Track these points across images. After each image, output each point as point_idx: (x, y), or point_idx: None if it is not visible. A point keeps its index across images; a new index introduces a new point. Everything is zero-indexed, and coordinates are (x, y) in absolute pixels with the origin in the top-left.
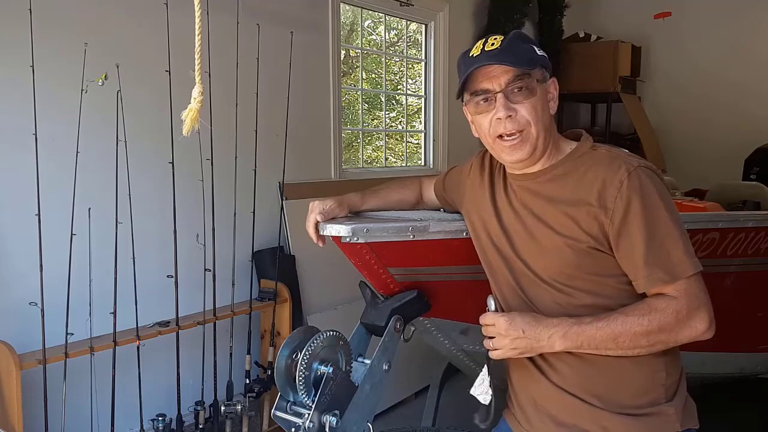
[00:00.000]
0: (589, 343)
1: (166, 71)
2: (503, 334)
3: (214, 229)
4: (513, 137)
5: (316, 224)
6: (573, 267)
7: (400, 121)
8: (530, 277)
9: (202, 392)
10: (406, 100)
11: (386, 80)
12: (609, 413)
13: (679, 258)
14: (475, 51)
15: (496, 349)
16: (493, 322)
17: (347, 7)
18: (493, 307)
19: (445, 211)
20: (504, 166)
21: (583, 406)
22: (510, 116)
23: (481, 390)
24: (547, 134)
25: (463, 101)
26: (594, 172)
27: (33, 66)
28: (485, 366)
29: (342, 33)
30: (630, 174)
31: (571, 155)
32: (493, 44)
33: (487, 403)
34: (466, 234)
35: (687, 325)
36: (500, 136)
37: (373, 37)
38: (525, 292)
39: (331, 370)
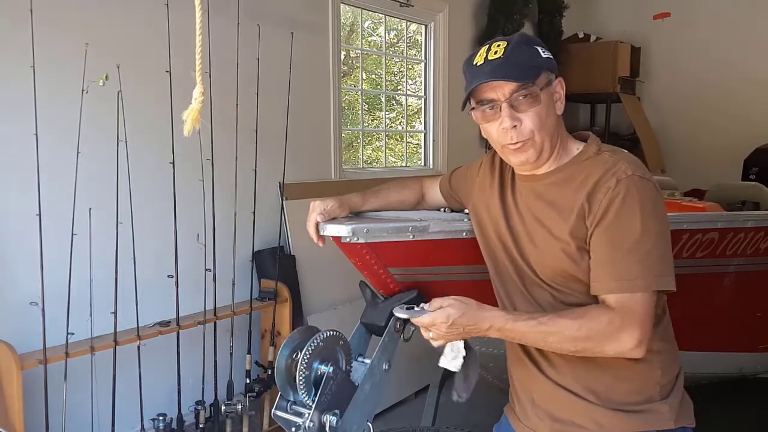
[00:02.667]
0: (521, 339)
1: (167, 72)
2: (443, 333)
3: (214, 229)
4: (515, 144)
5: (317, 224)
6: (567, 269)
7: (400, 122)
8: (532, 277)
9: (203, 392)
10: (406, 100)
11: (386, 81)
12: (604, 409)
13: (637, 273)
14: (479, 59)
15: (435, 340)
16: (432, 323)
17: (347, 8)
18: (406, 315)
19: (446, 211)
20: (513, 168)
21: (579, 401)
22: (515, 126)
23: (449, 359)
24: (554, 137)
25: (471, 106)
26: (591, 177)
27: (34, 66)
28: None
29: (342, 34)
30: (618, 182)
31: (576, 158)
32: (496, 52)
33: (458, 369)
34: (466, 234)
35: (616, 338)
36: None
37: (373, 37)
38: (529, 292)
39: (331, 370)
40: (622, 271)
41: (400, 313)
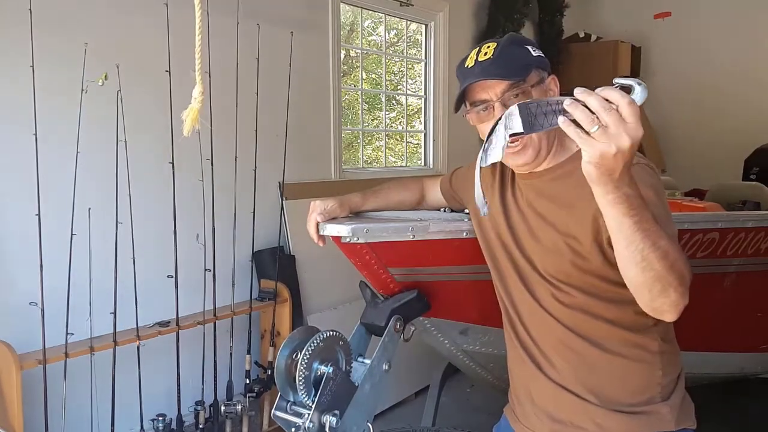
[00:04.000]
0: (636, 215)
1: (166, 71)
2: (615, 125)
3: (214, 229)
4: (515, 144)
5: (317, 224)
6: (570, 265)
7: (400, 122)
8: (533, 275)
9: (203, 392)
10: (406, 100)
11: (386, 80)
12: (604, 410)
13: (671, 234)
14: (470, 62)
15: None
16: (628, 107)
17: (347, 8)
18: (638, 91)
19: (446, 211)
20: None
21: (579, 402)
22: None
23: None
24: (550, 134)
25: (466, 108)
26: None
27: (33, 66)
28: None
29: (342, 33)
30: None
31: (577, 154)
32: (486, 53)
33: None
34: (466, 234)
35: (684, 290)
36: None
37: (373, 37)
38: (529, 289)
39: (331, 370)
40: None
41: (622, 80)
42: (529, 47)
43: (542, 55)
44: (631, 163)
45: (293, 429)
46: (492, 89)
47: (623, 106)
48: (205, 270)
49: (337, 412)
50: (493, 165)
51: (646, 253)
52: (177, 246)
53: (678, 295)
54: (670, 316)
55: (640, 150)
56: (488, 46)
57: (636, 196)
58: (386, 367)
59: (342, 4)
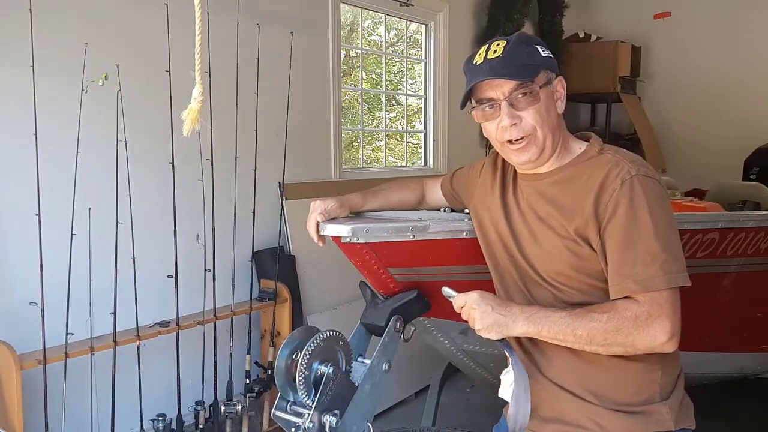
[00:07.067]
0: (549, 330)
1: (166, 71)
2: (474, 307)
3: (214, 229)
4: (520, 142)
5: (317, 224)
6: (570, 268)
7: (400, 122)
8: (533, 277)
9: (202, 392)
10: (406, 100)
11: (386, 80)
12: (604, 410)
13: (654, 272)
14: (478, 59)
15: (476, 325)
16: (464, 300)
17: (347, 8)
18: (454, 293)
19: (446, 211)
20: (515, 167)
21: (579, 402)
22: (515, 124)
23: (506, 388)
24: (555, 135)
25: (471, 105)
26: (595, 178)
27: (33, 66)
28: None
29: (342, 33)
30: (623, 183)
31: (578, 158)
32: (495, 51)
33: (509, 399)
34: (466, 234)
35: (645, 331)
36: (508, 141)
37: (373, 37)
38: (530, 291)
39: (331, 370)
40: (639, 272)
41: (448, 289)
42: (539, 47)
43: (551, 55)
44: (508, 313)
45: (293, 429)
46: (500, 88)
47: (464, 300)
48: (205, 270)
49: (337, 412)
50: (495, 165)
51: (573, 344)
52: (177, 246)
53: (644, 344)
54: (666, 349)
55: (640, 153)
56: (498, 44)
57: (536, 310)
58: (386, 367)
59: (342, 4)
